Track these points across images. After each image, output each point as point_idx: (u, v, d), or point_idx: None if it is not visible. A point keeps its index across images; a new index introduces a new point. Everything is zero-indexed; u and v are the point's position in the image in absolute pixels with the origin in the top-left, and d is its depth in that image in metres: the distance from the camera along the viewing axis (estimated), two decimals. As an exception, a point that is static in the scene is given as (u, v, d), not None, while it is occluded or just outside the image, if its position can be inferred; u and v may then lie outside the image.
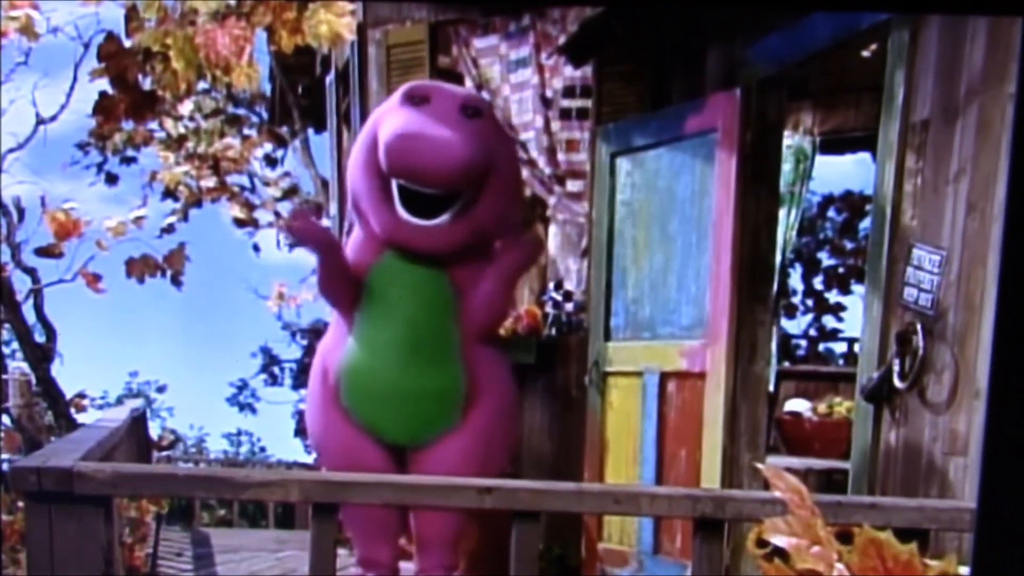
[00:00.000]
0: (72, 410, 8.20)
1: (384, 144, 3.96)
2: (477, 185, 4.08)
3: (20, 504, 4.26)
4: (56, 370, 8.42)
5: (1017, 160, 1.10)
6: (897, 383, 3.47)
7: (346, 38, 3.75)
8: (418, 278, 4.22)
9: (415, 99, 4.12)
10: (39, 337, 8.42)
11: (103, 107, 4.20)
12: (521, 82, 5.77)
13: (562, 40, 5.46)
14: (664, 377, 4.79)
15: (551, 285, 5.82)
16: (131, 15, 3.92)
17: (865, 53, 5.15)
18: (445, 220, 4.07)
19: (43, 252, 7.82)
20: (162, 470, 3.19)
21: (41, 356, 8.07)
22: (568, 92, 5.69)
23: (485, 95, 5.86)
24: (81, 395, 8.50)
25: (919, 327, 3.37)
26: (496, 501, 2.44)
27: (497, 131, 4.41)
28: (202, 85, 7.90)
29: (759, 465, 1.71)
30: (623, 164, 5.06)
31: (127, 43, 4.05)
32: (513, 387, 4.56)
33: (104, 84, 4.26)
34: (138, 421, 6.52)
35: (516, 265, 4.43)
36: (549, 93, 5.71)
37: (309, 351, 14.99)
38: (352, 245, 4.39)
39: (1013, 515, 1.09)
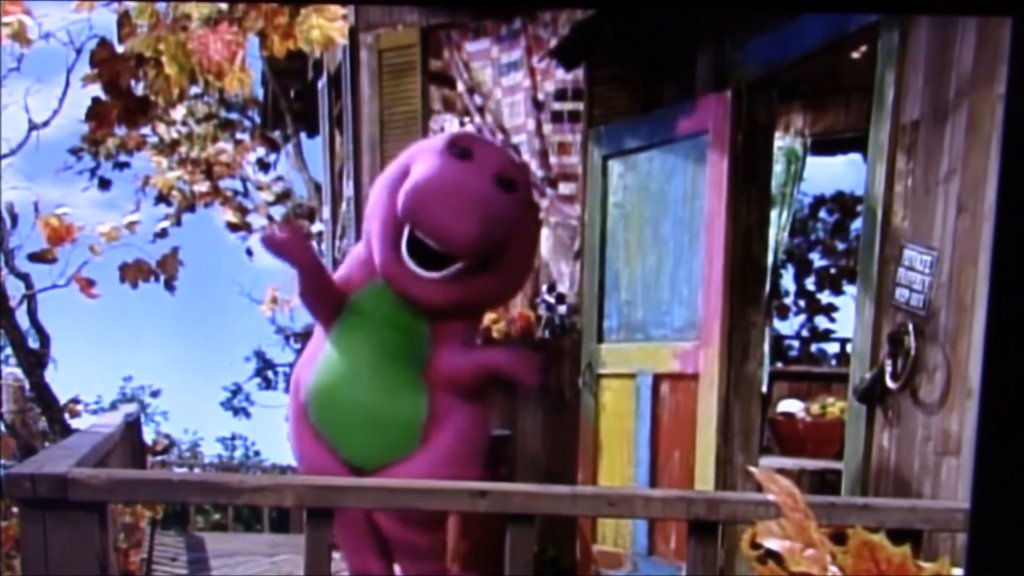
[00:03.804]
0: (66, 416, 8.17)
1: (405, 188, 3.90)
2: (487, 257, 4.03)
3: (15, 509, 4.25)
4: (50, 376, 8.39)
5: (1007, 160, 1.11)
6: (889, 384, 3.48)
7: (338, 42, 3.76)
8: (401, 314, 4.18)
9: (458, 150, 4.03)
10: (32, 343, 8.40)
11: (96, 113, 4.20)
12: (513, 85, 5.78)
13: (553, 43, 5.47)
14: (657, 379, 4.80)
15: (544, 288, 5.83)
16: (123, 21, 3.92)
17: (855, 54, 5.17)
18: (443, 276, 4.00)
19: (36, 258, 7.80)
20: (156, 476, 3.19)
21: (35, 362, 8.04)
22: (560, 95, 5.70)
23: (477, 99, 5.88)
24: (75, 400, 8.46)
25: (911, 327, 3.39)
26: (490, 505, 2.44)
27: (526, 206, 4.30)
28: (195, 90, 7.89)
29: (752, 468, 1.71)
30: (615, 166, 5.08)
31: (119, 49, 4.05)
32: (480, 414, 4.39)
33: (97, 90, 4.27)
34: (132, 426, 6.50)
35: (495, 368, 4.27)
36: (541, 96, 5.73)
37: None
38: (352, 257, 4.40)
39: (1006, 515, 1.09)
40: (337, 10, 3.57)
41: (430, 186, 3.87)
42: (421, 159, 4.04)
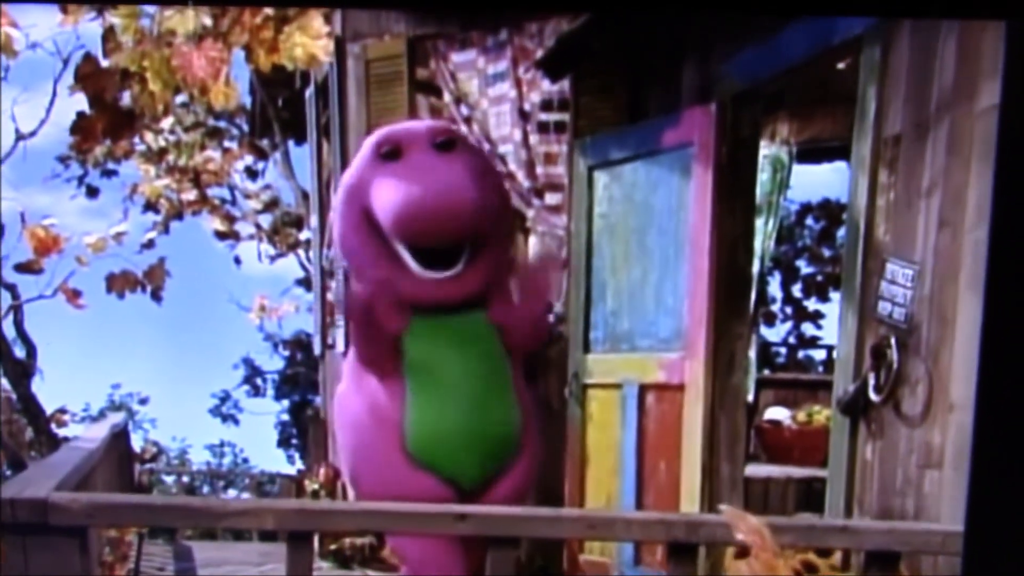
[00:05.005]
0: (53, 425, 8.17)
1: (391, 218, 3.99)
2: (487, 221, 4.17)
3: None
4: (37, 386, 8.39)
5: (1002, 170, 1.11)
6: (872, 396, 3.49)
7: (322, 60, 3.76)
8: (458, 326, 4.29)
9: (388, 155, 4.14)
10: (19, 353, 8.38)
11: (81, 127, 4.19)
12: (499, 96, 5.78)
13: (540, 54, 5.48)
14: (643, 389, 4.81)
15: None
16: (108, 36, 3.91)
17: (840, 65, 5.18)
18: (463, 267, 4.14)
19: (23, 268, 7.77)
20: (138, 500, 3.17)
21: (21, 372, 8.04)
22: (546, 105, 5.71)
23: (464, 109, 5.88)
24: (62, 411, 8.46)
25: (893, 341, 3.40)
26: (471, 527, 2.45)
27: (475, 154, 4.44)
28: (182, 98, 7.89)
29: (722, 507, 1.71)
30: (601, 177, 5.09)
31: (105, 63, 4.04)
32: (538, 409, 4.65)
33: (85, 98, 4.26)
34: (119, 436, 6.49)
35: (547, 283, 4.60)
36: (527, 107, 5.74)
37: (291, 362, 14.99)
38: (370, 308, 4.39)
39: (1001, 534, 1.09)
40: (320, 28, 3.57)
41: (406, 204, 3.96)
42: (372, 187, 4.13)
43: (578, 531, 2.73)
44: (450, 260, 4.13)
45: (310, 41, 3.54)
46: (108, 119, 4.13)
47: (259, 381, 16.11)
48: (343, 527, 2.70)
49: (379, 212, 4.06)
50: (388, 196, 4.01)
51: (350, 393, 4.51)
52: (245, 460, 16.28)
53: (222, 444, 16.40)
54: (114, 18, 3.73)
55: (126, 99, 4.12)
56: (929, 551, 2.70)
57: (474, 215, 4.01)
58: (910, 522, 3.13)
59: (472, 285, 4.22)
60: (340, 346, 7.03)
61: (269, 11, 3.55)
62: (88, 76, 4.02)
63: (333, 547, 5.75)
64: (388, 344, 4.26)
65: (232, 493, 13.65)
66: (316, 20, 3.57)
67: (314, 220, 8.07)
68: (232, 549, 8.36)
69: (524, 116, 5.73)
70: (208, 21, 3.66)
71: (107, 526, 4.18)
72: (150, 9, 3.78)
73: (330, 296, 7.54)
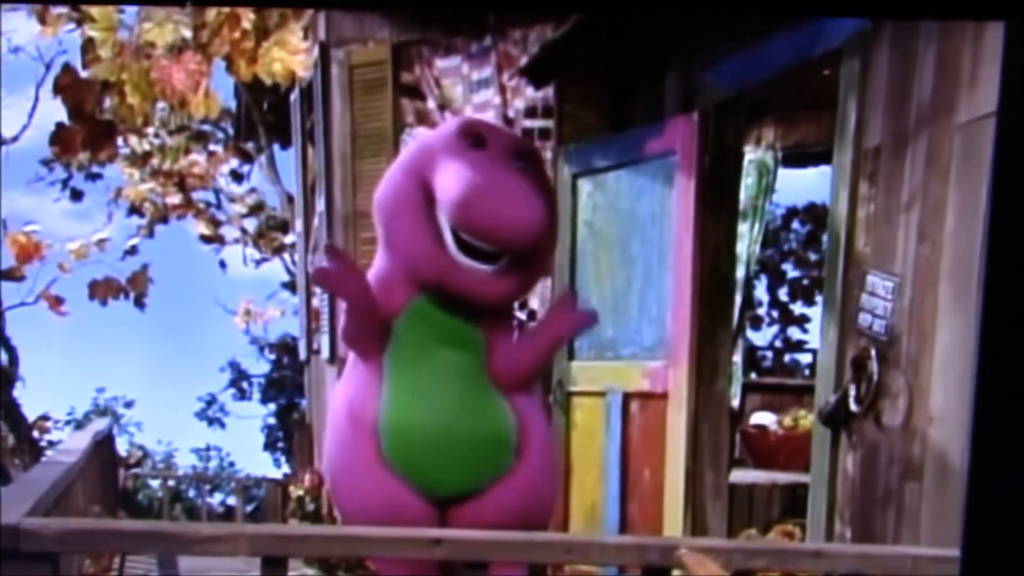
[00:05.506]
0: (36, 432, 8.13)
1: (455, 199, 3.72)
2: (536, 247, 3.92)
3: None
4: (20, 392, 8.34)
5: (999, 171, 1.11)
6: (853, 408, 3.51)
7: (300, 75, 3.75)
8: (455, 327, 3.99)
9: (471, 139, 3.90)
10: (1, 359, 8.36)
11: (60, 138, 4.17)
12: (483, 102, 5.78)
13: (524, 61, 5.48)
14: (627, 397, 4.82)
15: (515, 304, 5.82)
16: (87, 47, 3.88)
17: (825, 72, 5.19)
18: (501, 267, 3.84)
19: (4, 275, 7.74)
20: (110, 526, 3.15)
21: (3, 379, 8.00)
22: (530, 112, 5.71)
23: (448, 115, 5.87)
24: (44, 417, 8.42)
25: (873, 352, 3.41)
26: (446, 552, 2.43)
27: (544, 173, 4.26)
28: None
29: (682, 551, 1.71)
30: (584, 185, 5.09)
31: (84, 74, 4.02)
32: (549, 419, 4.43)
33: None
34: (102, 444, 6.46)
35: (566, 333, 4.32)
36: (511, 113, 5.73)
37: (277, 366, 14.97)
38: (377, 279, 4.09)
39: (998, 546, 1.09)
40: (299, 43, 3.56)
41: (474, 194, 3.71)
42: (443, 162, 3.87)
43: (555, 556, 2.70)
44: (489, 259, 3.83)
45: (288, 56, 3.53)
46: (87, 130, 4.10)
47: (245, 385, 16.06)
48: (317, 552, 2.68)
49: (443, 190, 3.76)
50: (458, 178, 3.71)
51: (335, 392, 4.33)
52: (231, 464, 16.22)
53: (208, 448, 16.34)
54: (92, 31, 3.70)
55: (107, 104, 4.09)
56: (902, 574, 2.70)
57: (536, 237, 3.76)
58: (884, 545, 3.14)
59: (500, 291, 3.94)
60: (325, 352, 7.02)
61: (247, 24, 3.52)
62: (67, 87, 4.00)
63: (318, 554, 5.75)
64: (379, 320, 3.99)
65: (218, 497, 13.65)
66: (295, 35, 3.55)
67: (299, 224, 8.06)
68: (216, 557, 8.32)
69: (508, 123, 5.72)
70: (187, 33, 3.64)
71: (80, 551, 4.12)
72: (129, 21, 3.76)
73: (315, 301, 7.52)
